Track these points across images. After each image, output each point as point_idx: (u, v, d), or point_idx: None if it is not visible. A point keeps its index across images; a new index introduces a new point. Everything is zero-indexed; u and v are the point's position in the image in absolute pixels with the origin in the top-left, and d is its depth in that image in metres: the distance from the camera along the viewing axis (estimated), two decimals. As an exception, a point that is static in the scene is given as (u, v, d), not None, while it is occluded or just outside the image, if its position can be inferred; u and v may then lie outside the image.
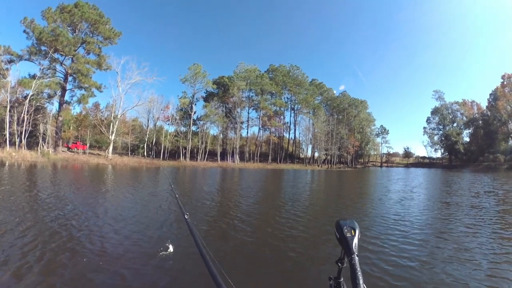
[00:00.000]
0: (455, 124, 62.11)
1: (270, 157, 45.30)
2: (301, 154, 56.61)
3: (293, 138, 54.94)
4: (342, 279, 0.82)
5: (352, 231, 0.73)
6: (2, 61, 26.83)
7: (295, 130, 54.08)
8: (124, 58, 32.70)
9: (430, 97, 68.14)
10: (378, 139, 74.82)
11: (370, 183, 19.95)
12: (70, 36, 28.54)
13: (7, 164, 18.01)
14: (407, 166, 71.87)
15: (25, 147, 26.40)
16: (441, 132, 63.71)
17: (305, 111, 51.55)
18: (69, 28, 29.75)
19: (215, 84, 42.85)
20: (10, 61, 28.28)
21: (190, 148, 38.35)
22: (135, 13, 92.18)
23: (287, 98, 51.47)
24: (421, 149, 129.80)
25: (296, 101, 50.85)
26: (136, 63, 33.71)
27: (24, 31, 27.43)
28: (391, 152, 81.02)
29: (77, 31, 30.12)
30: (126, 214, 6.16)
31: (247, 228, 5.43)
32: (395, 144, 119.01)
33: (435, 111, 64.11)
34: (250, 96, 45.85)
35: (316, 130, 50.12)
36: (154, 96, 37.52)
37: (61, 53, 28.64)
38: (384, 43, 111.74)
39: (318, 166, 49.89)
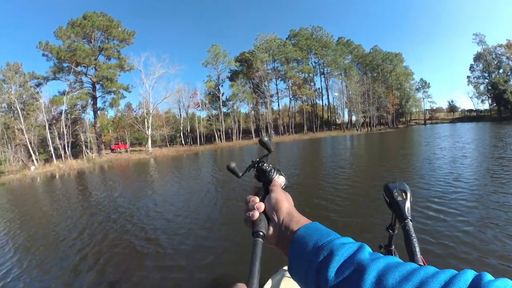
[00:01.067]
0: (501, 71, 53.37)
1: (305, 127, 43.42)
2: (337, 120, 53.33)
3: (327, 104, 51.52)
4: (393, 247, 0.77)
5: (403, 194, 0.67)
6: (31, 86, 29.02)
7: (328, 95, 50.57)
8: (143, 55, 33.04)
9: (471, 41, 57.90)
10: (419, 95, 67.12)
11: (414, 143, 18.18)
12: (86, 48, 29.50)
13: (57, 176, 19.29)
14: (453, 121, 64.96)
15: (71, 157, 28.60)
16: (486, 80, 55.33)
17: (336, 73, 47.42)
18: (84, 40, 30.70)
19: (237, 61, 41.33)
20: (38, 85, 30.52)
21: (224, 130, 38.43)
22: (144, 8, 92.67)
23: (315, 62, 47.65)
24: (467, 101, 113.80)
25: (324, 64, 46.86)
26: (156, 57, 34.01)
27: (43, 54, 29.00)
28: (435, 108, 73.47)
29: (92, 41, 31.02)
30: (176, 203, 6.41)
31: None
32: (438, 98, 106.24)
33: (477, 57, 55.07)
34: (275, 67, 43.51)
35: (350, 92, 46.13)
36: (180, 86, 37.83)
37: (83, 65, 29.94)
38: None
39: (357, 130, 46.58)
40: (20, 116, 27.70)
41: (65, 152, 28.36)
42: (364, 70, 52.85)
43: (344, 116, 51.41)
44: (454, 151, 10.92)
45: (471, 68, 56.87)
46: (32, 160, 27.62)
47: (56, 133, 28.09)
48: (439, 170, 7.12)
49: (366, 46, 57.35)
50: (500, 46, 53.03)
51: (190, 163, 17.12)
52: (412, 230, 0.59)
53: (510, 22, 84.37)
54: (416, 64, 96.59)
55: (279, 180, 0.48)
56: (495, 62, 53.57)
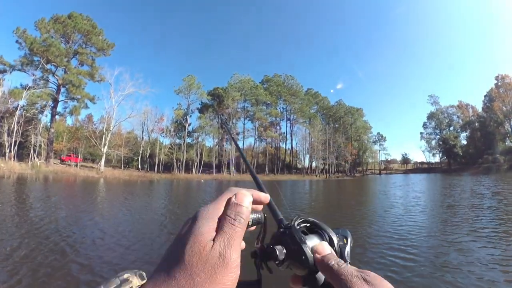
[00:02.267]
0: (451, 128, 62.45)
1: (267, 168, 44.61)
2: (298, 164, 56.01)
3: (290, 148, 54.64)
4: None
5: (344, 239, 0.68)
6: None
7: (291, 140, 53.89)
8: (117, 69, 32.64)
9: (426, 102, 68.80)
10: (376, 147, 74.87)
11: (370, 191, 19.57)
12: (62, 47, 28.49)
13: None
14: (406, 172, 71.53)
15: (15, 159, 25.75)
16: (438, 136, 63.84)
17: (301, 120, 51.53)
18: (62, 39, 29.76)
19: (209, 95, 42.89)
20: (2, 71, 28.13)
21: (184, 160, 37.65)
22: (129, 25, 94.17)
23: (283, 108, 51.66)
24: (419, 154, 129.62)
25: (291, 111, 50.91)
26: (130, 74, 33.70)
27: (17, 41, 27.39)
28: (389, 159, 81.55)
29: (70, 42, 30.16)
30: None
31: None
32: (393, 150, 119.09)
33: (431, 116, 64.62)
34: (245, 107, 45.85)
35: (313, 140, 49.83)
36: (148, 108, 37.35)
37: (54, 63, 28.52)
38: (378, 46, 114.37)
39: (316, 176, 49.19)
40: None
41: (10, 151, 25.00)
42: (327, 121, 58.19)
43: (305, 161, 54.53)
44: (408, 199, 11.85)
45: (424, 125, 65.29)
46: None
47: (6, 128, 25.24)
48: (395, 218, 7.61)
49: (332, 99, 64.28)
50: (452, 106, 62.48)
51: (143, 191, 16.09)
52: None
53: (461, 85, 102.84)
54: (374, 118, 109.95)
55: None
56: (447, 121, 61.81)
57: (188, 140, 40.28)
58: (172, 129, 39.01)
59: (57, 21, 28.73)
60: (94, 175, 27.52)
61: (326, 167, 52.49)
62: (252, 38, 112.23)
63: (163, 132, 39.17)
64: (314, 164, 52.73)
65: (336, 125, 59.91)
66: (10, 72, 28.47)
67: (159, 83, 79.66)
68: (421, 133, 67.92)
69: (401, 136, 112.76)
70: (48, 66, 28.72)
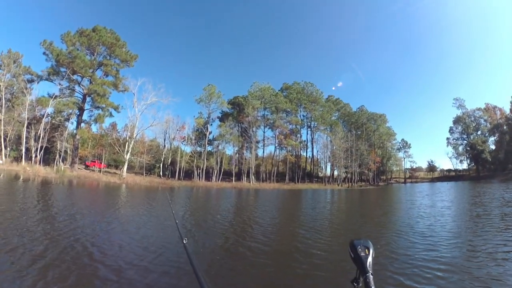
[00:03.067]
0: (479, 132, 57.83)
1: (287, 177, 43.47)
2: (319, 173, 54.10)
3: (310, 156, 53.02)
4: None
5: (366, 250, 0.75)
6: (23, 80, 28.53)
7: (312, 148, 52.21)
8: (140, 80, 33.48)
9: (451, 105, 64.16)
10: (400, 154, 70.68)
11: (395, 200, 18.50)
12: (86, 58, 29.87)
13: (21, 178, 18.48)
14: (432, 180, 67.48)
15: (41, 163, 27.10)
16: (465, 141, 59.48)
17: (322, 128, 49.95)
18: (87, 51, 31.29)
19: (230, 104, 43.13)
20: (31, 81, 30.06)
21: (205, 168, 37.82)
22: (152, 36, 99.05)
23: (303, 115, 50.51)
24: (446, 161, 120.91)
25: (312, 118, 49.59)
26: (152, 84, 34.54)
27: (44, 53, 29.07)
28: (415, 167, 76.57)
29: (95, 54, 31.67)
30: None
31: (261, 253, 5.07)
32: (418, 158, 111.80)
33: (457, 120, 60.26)
34: (265, 115, 45.44)
35: (334, 147, 47.98)
36: (169, 117, 38.20)
37: (79, 74, 29.94)
38: (403, 53, 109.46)
39: (338, 185, 47.08)
40: (3, 104, 26.47)
41: (36, 156, 26.61)
42: (349, 128, 56.01)
43: (327, 170, 52.57)
44: (436, 209, 11.01)
45: (451, 130, 61.20)
46: (4, 155, 25.56)
47: (33, 134, 26.79)
48: (423, 228, 7.11)
49: (354, 105, 61.94)
50: (479, 109, 58.02)
51: (164, 198, 16.25)
52: (372, 283, 0.64)
53: (487, 86, 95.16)
54: (398, 126, 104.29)
55: None
56: (474, 125, 57.61)
57: (209, 148, 40.58)
58: (193, 137, 39.55)
59: (82, 34, 30.28)
60: (116, 181, 28.19)
61: (349, 175, 50.13)
62: (272, 47, 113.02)
63: (184, 140, 39.85)
64: (336, 172, 50.66)
65: (359, 132, 57.51)
66: (38, 82, 30.56)
67: (180, 93, 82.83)
68: (447, 138, 63.49)
69: (427, 143, 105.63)
70: (74, 77, 30.29)
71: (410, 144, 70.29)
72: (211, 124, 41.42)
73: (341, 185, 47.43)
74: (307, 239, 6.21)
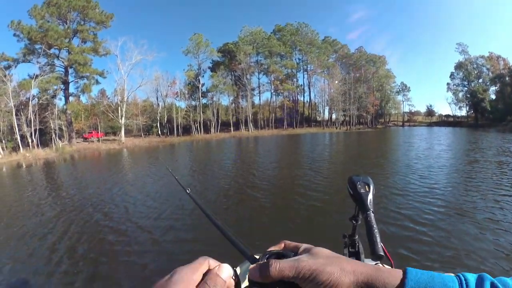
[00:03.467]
0: (480, 80, 55.91)
1: (285, 122, 43.48)
2: (318, 117, 53.99)
3: (308, 100, 51.74)
4: (357, 237, 0.82)
5: (366, 186, 0.71)
6: (0, 68, 26.58)
7: (309, 92, 50.64)
8: (121, 39, 31.33)
9: (453, 50, 61.03)
10: (399, 97, 70.06)
11: (393, 143, 18.68)
12: (59, 29, 27.61)
13: (24, 166, 18.29)
14: (430, 125, 67.39)
15: (39, 146, 26.83)
16: (465, 88, 57.73)
17: (319, 71, 47.76)
18: (59, 21, 28.68)
19: (220, 52, 40.24)
20: (8, 67, 28.00)
21: (202, 121, 37.54)
22: None
23: (299, 59, 47.58)
24: (445, 107, 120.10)
25: (308, 61, 46.96)
26: (134, 42, 32.18)
27: (14, 34, 26.93)
28: (413, 111, 77.10)
29: (68, 22, 29.05)
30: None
31: (263, 192, 5.37)
32: (417, 102, 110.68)
33: (459, 66, 57.49)
34: (258, 61, 42.85)
35: (332, 91, 46.78)
36: (158, 73, 36.21)
37: (56, 47, 27.94)
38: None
39: (336, 128, 47.53)
40: None
41: (32, 140, 26.45)
42: (347, 70, 53.68)
43: (325, 114, 52.25)
44: (434, 151, 11.20)
45: (452, 75, 58.78)
46: (1, 148, 25.44)
47: (24, 120, 26.04)
48: (421, 168, 7.29)
49: (351, 47, 58.30)
50: (482, 57, 55.54)
51: (166, 156, 16.67)
52: (373, 221, 0.61)
53: (492, 36, 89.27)
54: (397, 68, 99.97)
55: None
56: (475, 72, 55.46)
57: (204, 100, 39.50)
58: (186, 92, 38.12)
59: (50, 4, 27.43)
60: (116, 147, 28.33)
61: (347, 119, 50.21)
62: None
63: (178, 95, 38.49)
64: (334, 116, 50.53)
65: (357, 75, 55.29)
66: (15, 66, 28.55)
67: (165, 47, 75.92)
68: (447, 84, 61.63)
69: (426, 87, 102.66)
70: (51, 51, 28.26)
71: (409, 87, 69.33)
72: (203, 76, 39.51)
73: (340, 129, 47.89)
74: (307, 180, 6.31)
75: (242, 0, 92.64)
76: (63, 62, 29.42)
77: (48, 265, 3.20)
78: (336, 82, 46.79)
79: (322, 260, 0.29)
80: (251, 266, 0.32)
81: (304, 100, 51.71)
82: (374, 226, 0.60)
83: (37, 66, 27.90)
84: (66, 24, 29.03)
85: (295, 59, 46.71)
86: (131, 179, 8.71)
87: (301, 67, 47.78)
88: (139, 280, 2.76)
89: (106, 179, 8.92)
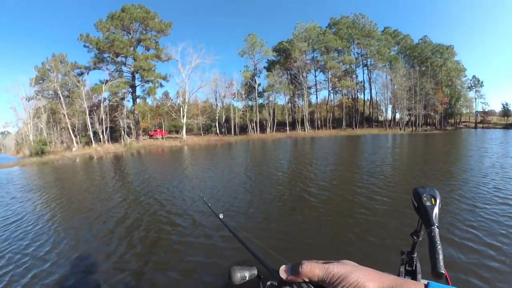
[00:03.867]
0: None
1: (344, 122, 40.82)
2: (379, 117, 49.39)
3: (369, 99, 47.78)
4: (415, 254, 0.78)
5: (433, 199, 0.68)
6: (74, 75, 31.15)
7: (370, 89, 46.67)
8: (181, 45, 33.58)
9: None
10: (471, 94, 60.45)
11: (463, 147, 16.17)
12: (124, 39, 30.65)
13: (95, 158, 20.75)
14: (506, 127, 56.68)
15: (109, 141, 30.44)
16: None
17: (380, 65, 43.66)
18: (123, 31, 31.86)
19: (275, 51, 40.21)
20: (81, 74, 32.54)
21: (258, 121, 37.78)
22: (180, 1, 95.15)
23: (357, 53, 44.39)
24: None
25: (368, 55, 43.42)
26: (193, 47, 34.42)
27: (84, 45, 30.81)
28: (487, 110, 65.43)
29: (131, 32, 32.20)
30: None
31: (319, 200, 5.10)
32: (491, 100, 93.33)
33: None
34: (314, 57, 41.39)
35: (395, 87, 42.23)
36: (217, 76, 37.94)
37: (122, 55, 31.13)
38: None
39: (400, 129, 42.64)
40: (62, 102, 30.18)
41: (103, 136, 30.29)
42: (411, 63, 48.01)
43: (387, 113, 47.41)
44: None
45: None
46: (76, 142, 30.05)
47: (96, 119, 30.04)
48: (493, 181, 6.15)
49: (415, 37, 52.10)
50: None
51: (224, 154, 17.01)
52: (438, 237, 0.58)
53: None
54: (468, 59, 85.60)
55: None
56: None
57: (260, 100, 39.85)
58: (243, 92, 39.03)
59: (113, 17, 30.67)
60: (177, 144, 30.10)
61: (412, 118, 44.63)
62: None
63: (235, 96, 39.70)
64: (397, 115, 45.51)
65: (423, 68, 49.01)
66: (87, 73, 32.97)
67: (222, 49, 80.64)
68: None
69: (502, 82, 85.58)
70: (119, 59, 31.57)
71: (482, 82, 59.23)
72: (259, 76, 39.94)
73: (404, 130, 42.87)
74: (367, 188, 5.87)
75: None
76: (129, 68, 32.89)
77: (108, 246, 3.48)
78: (400, 77, 42.09)
79: (350, 267, 0.31)
80: (283, 266, 0.35)
81: (364, 98, 47.97)
82: (438, 242, 0.56)
83: (107, 72, 31.95)
84: (130, 34, 32.31)
85: (354, 54, 43.73)
86: (190, 175, 9.13)
87: (361, 62, 44.41)
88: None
89: (168, 174, 9.50)
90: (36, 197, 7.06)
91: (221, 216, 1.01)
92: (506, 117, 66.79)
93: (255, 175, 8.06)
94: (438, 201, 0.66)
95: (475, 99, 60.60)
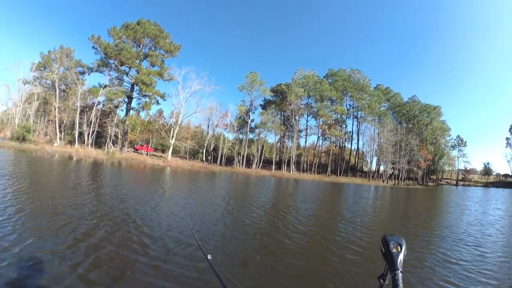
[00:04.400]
0: None
1: (329, 169, 41.58)
2: (364, 167, 50.73)
3: (355, 148, 49.66)
4: None
5: (399, 246, 0.75)
6: (75, 72, 31.50)
7: (358, 140, 48.71)
8: (185, 69, 34.53)
9: None
10: (454, 152, 63.52)
11: (444, 203, 17.14)
12: (132, 50, 31.30)
13: (74, 158, 20.47)
14: (486, 185, 61.02)
15: (93, 146, 29.82)
16: None
17: (370, 118, 46.01)
18: (133, 43, 32.70)
19: (272, 91, 42.03)
20: (82, 73, 32.81)
21: (245, 155, 38.09)
22: (194, 26, 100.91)
23: (349, 105, 46.95)
24: (504, 165, 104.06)
25: (359, 108, 45.90)
26: (196, 73, 35.52)
27: (93, 47, 31.28)
28: (468, 169, 68.61)
29: (141, 45, 33.10)
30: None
31: (294, 240, 5.23)
32: (473, 159, 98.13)
33: None
34: (308, 103, 43.44)
35: (382, 140, 44.09)
36: (213, 104, 38.89)
37: (127, 65, 31.66)
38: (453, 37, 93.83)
39: (383, 181, 43.67)
40: (57, 95, 29.92)
41: (88, 139, 29.74)
42: (399, 120, 50.83)
43: (372, 164, 48.86)
44: (492, 219, 10.18)
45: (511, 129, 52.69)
46: (59, 138, 29.31)
47: (85, 119, 29.54)
48: (475, 237, 6.69)
49: (404, 95, 55.83)
50: None
51: (207, 182, 16.70)
52: (400, 280, 0.64)
53: None
54: (453, 120, 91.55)
55: None
56: None
57: (251, 135, 40.60)
58: (236, 125, 39.88)
59: (128, 27, 31.57)
60: (160, 163, 29.64)
61: (396, 172, 46.00)
62: (317, 34, 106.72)
63: (227, 127, 40.44)
64: (381, 168, 46.83)
65: (410, 125, 51.82)
66: (89, 74, 33.29)
67: (223, 81, 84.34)
68: (507, 138, 54.64)
69: (483, 142, 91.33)
70: (122, 68, 32.07)
71: (466, 142, 62.76)
72: (254, 112, 41.16)
73: (387, 182, 43.92)
74: (344, 233, 6.20)
75: (300, 45, 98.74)
76: (130, 79, 33.31)
77: (74, 254, 3.44)
78: (387, 131, 44.19)
79: None
80: None
81: (351, 147, 49.86)
82: (401, 285, 0.62)
83: (108, 77, 32.20)
84: (140, 47, 33.12)
85: (346, 105, 46.20)
86: (170, 198, 8.95)
87: (351, 114, 46.83)
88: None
89: (143, 193, 9.28)
90: (7, 185, 7.00)
91: (209, 257, 1.00)
92: (486, 175, 69.83)
93: (236, 211, 7.87)
94: (403, 248, 0.72)
95: (458, 157, 63.46)
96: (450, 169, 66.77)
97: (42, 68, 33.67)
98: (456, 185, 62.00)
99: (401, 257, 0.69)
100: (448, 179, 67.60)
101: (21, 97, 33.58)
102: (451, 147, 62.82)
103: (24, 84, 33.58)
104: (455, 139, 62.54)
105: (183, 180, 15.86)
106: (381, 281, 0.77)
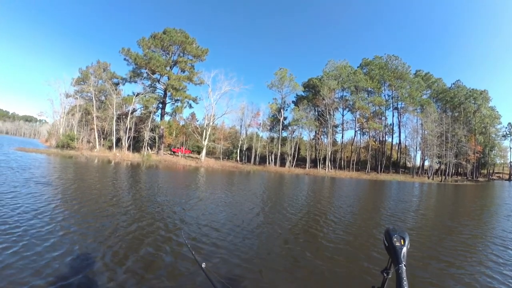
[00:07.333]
0: None
1: (368, 165, 39.26)
2: (407, 163, 47.22)
3: (397, 142, 45.77)
4: None
5: (402, 240, 0.74)
6: (111, 84, 33.72)
7: (399, 133, 44.90)
8: (213, 71, 35.12)
9: None
10: (506, 143, 56.69)
11: (495, 201, 15.19)
12: (161, 58, 32.63)
13: (112, 162, 22.10)
14: None
15: (131, 150, 31.85)
16: None
17: (411, 109, 42.33)
18: (162, 51, 34.05)
19: (304, 87, 40.61)
20: (117, 84, 34.95)
21: (279, 154, 37.43)
22: (221, 29, 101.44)
23: (388, 95, 43.59)
24: None
25: (399, 98, 42.46)
26: (224, 74, 35.89)
27: (124, 59, 33.21)
28: None
29: (170, 53, 34.36)
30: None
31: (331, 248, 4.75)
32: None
33: None
34: (343, 96, 41.15)
35: (426, 132, 40.44)
36: (244, 104, 38.78)
37: (158, 72, 33.08)
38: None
39: (428, 178, 40.23)
40: (94, 105, 32.56)
41: (125, 144, 31.78)
42: (443, 108, 46.23)
43: (416, 159, 45.14)
44: None
45: None
46: (100, 144, 31.69)
47: (122, 126, 31.65)
48: None
49: (447, 81, 50.65)
50: None
51: (241, 182, 16.71)
52: (404, 274, 0.64)
53: None
54: (502, 105, 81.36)
55: None
56: None
57: (284, 133, 39.81)
58: (268, 123, 39.30)
59: (155, 37, 32.95)
60: (192, 164, 30.49)
61: (442, 167, 42.09)
62: (350, 22, 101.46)
63: (260, 126, 40.07)
64: (426, 162, 43.18)
65: (455, 114, 46.98)
66: (123, 84, 35.63)
67: (253, 80, 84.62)
68: None
69: None
70: (154, 76, 33.61)
71: None
72: (286, 109, 40.21)
73: (433, 178, 40.40)
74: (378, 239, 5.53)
75: (330, 33, 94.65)
76: (162, 86, 34.74)
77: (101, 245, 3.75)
78: (431, 122, 40.40)
79: None
80: None
81: (392, 141, 46.21)
82: (405, 279, 0.62)
83: (141, 86, 34.19)
84: (169, 55, 34.40)
85: (384, 95, 42.96)
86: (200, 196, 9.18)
87: (391, 105, 43.46)
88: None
89: (175, 192, 9.78)
90: (53, 188, 7.82)
91: (203, 265, 0.98)
92: (542, 169, 61.79)
93: (269, 209, 7.83)
94: (407, 242, 0.71)
95: (510, 148, 56.84)
96: (502, 161, 59.98)
97: (81, 82, 36.38)
98: (509, 179, 55.62)
99: (404, 250, 0.69)
100: (500, 173, 60.74)
101: (63, 109, 36.50)
102: (502, 136, 56.30)
103: (66, 98, 36.56)
104: (506, 127, 55.82)
105: (218, 181, 16.13)
106: (385, 275, 0.76)
